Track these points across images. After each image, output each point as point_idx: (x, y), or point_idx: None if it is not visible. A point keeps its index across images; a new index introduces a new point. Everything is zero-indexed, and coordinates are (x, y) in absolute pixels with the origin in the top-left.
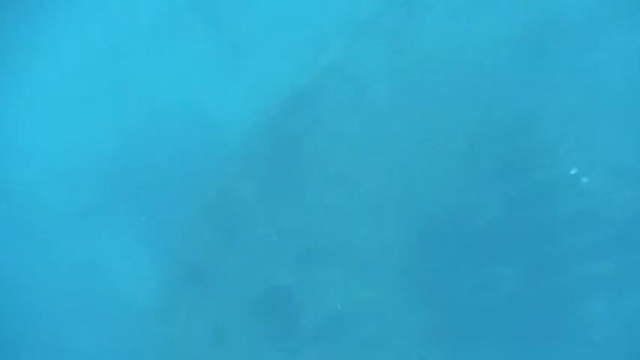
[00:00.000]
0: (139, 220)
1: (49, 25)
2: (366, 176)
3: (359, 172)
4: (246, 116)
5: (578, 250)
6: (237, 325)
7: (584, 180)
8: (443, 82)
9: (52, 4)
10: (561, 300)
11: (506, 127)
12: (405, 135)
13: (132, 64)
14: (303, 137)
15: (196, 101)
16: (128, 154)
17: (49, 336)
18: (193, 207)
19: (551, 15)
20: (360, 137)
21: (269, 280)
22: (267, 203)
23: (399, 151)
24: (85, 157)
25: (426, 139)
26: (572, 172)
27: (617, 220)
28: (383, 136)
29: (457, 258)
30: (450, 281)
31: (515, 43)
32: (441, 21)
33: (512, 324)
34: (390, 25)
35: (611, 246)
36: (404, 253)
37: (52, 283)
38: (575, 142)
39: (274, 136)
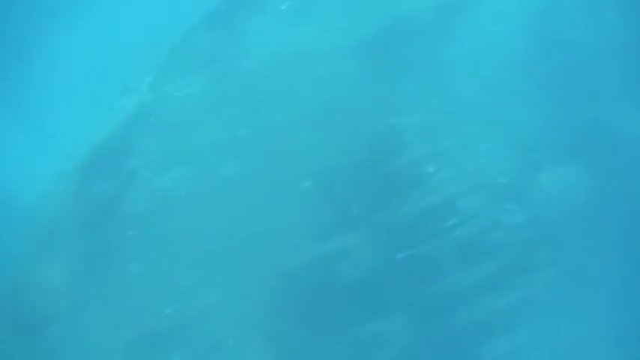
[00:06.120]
0: None
1: None
2: (201, 236)
3: (192, 233)
4: (43, 185)
5: (465, 288)
6: None
7: (461, 205)
8: (279, 108)
9: None
10: (457, 346)
11: (361, 151)
12: (243, 179)
13: None
14: (119, 198)
15: None
16: None
17: None
18: None
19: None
20: (187, 190)
21: None
22: (82, 289)
23: (238, 200)
24: None
25: (269, 180)
26: (446, 196)
27: (503, 248)
28: (216, 185)
29: (329, 318)
30: (325, 348)
31: (354, 50)
32: (268, 32)
33: None
34: (208, 46)
35: (502, 277)
36: (262, 324)
37: None
38: (444, 162)
39: (80, 203)
